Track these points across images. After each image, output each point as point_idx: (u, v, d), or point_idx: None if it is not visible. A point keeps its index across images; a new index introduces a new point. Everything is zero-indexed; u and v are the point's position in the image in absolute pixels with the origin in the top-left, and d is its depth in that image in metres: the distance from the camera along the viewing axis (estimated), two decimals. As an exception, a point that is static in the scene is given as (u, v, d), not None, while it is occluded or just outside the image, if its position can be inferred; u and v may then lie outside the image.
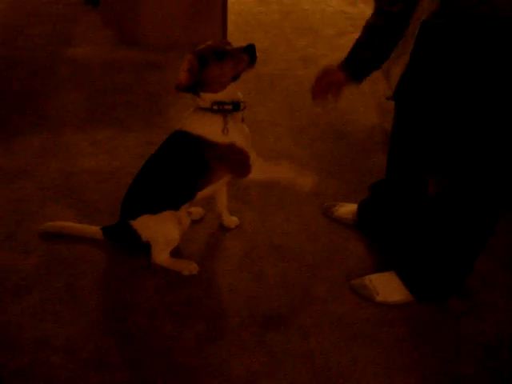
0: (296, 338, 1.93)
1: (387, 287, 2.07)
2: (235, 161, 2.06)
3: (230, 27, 4.23)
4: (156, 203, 2.10)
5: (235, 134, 2.03)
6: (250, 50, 1.94)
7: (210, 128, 2.01)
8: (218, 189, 2.25)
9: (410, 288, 2.04)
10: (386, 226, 2.32)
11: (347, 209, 2.44)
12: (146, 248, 2.17)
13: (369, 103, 3.43)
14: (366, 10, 4.80)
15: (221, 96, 1.99)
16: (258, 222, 2.44)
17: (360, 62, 1.93)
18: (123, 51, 4.01)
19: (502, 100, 1.61)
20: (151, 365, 1.82)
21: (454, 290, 2.08)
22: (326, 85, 2.00)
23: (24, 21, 4.49)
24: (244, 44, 1.95)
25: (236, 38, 4.19)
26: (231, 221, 2.42)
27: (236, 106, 2.02)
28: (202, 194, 2.15)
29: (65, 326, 1.94)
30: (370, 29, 1.87)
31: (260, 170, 2.10)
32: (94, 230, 2.25)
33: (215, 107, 1.99)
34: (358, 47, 1.92)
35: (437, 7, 1.72)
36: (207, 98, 1.99)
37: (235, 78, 1.98)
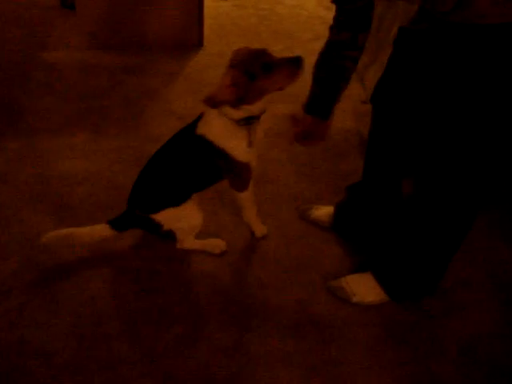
0: (275, 339, 1.94)
1: (363, 288, 2.09)
2: (243, 178, 2.10)
3: (207, 31, 4.24)
4: (176, 197, 2.12)
5: (252, 154, 2.03)
6: (297, 62, 1.83)
7: (235, 143, 1.98)
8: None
9: (386, 288, 2.07)
10: (362, 228, 2.34)
11: (323, 211, 2.46)
12: (165, 235, 2.22)
13: (344, 107, 3.46)
14: (342, 15, 4.83)
15: (255, 108, 1.92)
16: (235, 224, 2.45)
17: (316, 101, 1.90)
18: (99, 55, 3.99)
19: (478, 103, 1.63)
20: (130, 369, 1.82)
21: (429, 289, 2.11)
22: (305, 134, 1.98)
23: (-1, 24, 4.46)
24: (288, 56, 1.85)
25: (212, 42, 4.20)
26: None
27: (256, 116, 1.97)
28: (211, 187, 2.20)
29: (42, 331, 1.93)
30: (316, 65, 1.86)
31: (248, 196, 2.18)
32: (100, 227, 2.19)
33: (242, 122, 1.94)
34: (311, 89, 1.90)
35: (415, 14, 1.75)
36: (243, 109, 1.91)
37: (280, 89, 1.90)
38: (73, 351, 1.87)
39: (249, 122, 1.95)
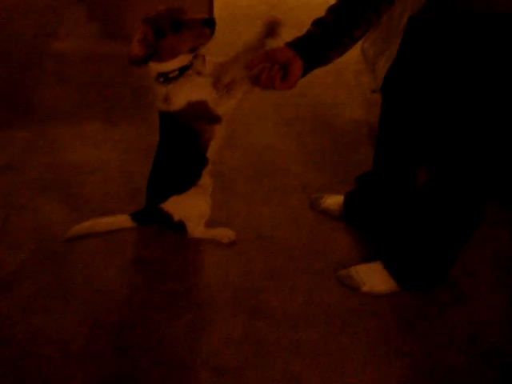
0: (284, 328, 1.96)
1: (373, 277, 2.10)
2: (205, 115, 1.97)
3: (216, 20, 4.22)
4: (179, 183, 2.14)
5: (184, 95, 1.92)
6: (209, 23, 1.82)
7: (158, 100, 1.95)
8: (222, 134, 2.10)
9: (396, 277, 2.08)
10: (372, 217, 2.34)
11: (334, 200, 2.46)
12: (178, 227, 2.24)
13: (354, 96, 3.46)
14: (352, 3, 4.81)
15: (168, 66, 1.88)
16: (245, 214, 2.46)
17: (310, 39, 1.69)
18: (109, 45, 3.99)
19: (490, 93, 1.62)
20: (142, 356, 1.84)
21: (439, 279, 2.11)
22: (272, 67, 1.70)
23: (9, 14, 4.46)
24: (201, 16, 1.84)
25: (222, 30, 4.19)
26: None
27: (184, 68, 1.90)
28: (211, 153, 2.11)
29: (55, 319, 1.95)
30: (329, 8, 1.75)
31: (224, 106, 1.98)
32: (122, 218, 2.28)
33: (161, 79, 1.90)
34: (312, 25, 1.74)
35: (425, 2, 1.74)
36: (154, 67, 1.89)
37: (192, 51, 1.89)
38: (86, 339, 1.88)
39: (169, 78, 1.90)
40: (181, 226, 2.24)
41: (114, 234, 2.28)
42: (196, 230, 2.27)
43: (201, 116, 1.96)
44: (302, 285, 2.13)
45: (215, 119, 1.98)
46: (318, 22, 1.71)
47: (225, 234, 2.31)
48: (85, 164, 2.72)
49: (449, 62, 1.66)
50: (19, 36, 4.09)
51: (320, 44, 1.66)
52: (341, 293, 2.10)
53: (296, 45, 1.68)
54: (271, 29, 1.96)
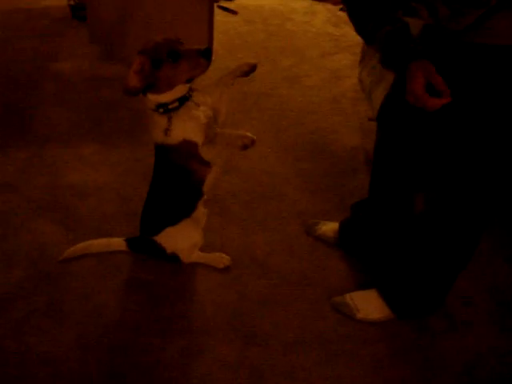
0: (278, 354, 1.95)
1: (368, 305, 2.10)
2: (196, 156, 2.00)
3: (216, 46, 4.27)
4: (172, 215, 2.15)
5: (182, 130, 1.95)
6: (206, 53, 1.84)
7: (157, 131, 1.97)
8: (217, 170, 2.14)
9: (391, 305, 2.08)
10: (367, 245, 2.35)
11: (330, 227, 2.47)
12: (172, 258, 2.24)
13: (351, 124, 3.48)
14: (350, 32, 4.86)
15: (167, 97, 1.91)
16: (240, 239, 2.46)
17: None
18: (109, 67, 4.02)
19: (486, 122, 1.65)
20: (135, 379, 1.83)
21: (433, 307, 2.11)
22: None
23: (10, 35, 4.49)
24: (197, 46, 1.86)
25: (221, 56, 4.24)
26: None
27: (183, 99, 1.94)
28: (208, 186, 2.13)
29: (47, 340, 1.94)
30: None
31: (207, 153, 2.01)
32: (117, 241, 2.30)
33: (161, 110, 1.92)
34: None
35: (419, 33, 1.77)
36: (152, 98, 1.92)
37: (188, 81, 1.91)
38: (78, 360, 1.88)
39: (169, 110, 1.93)
40: (175, 258, 2.24)
41: (110, 256, 2.28)
42: (189, 258, 2.27)
43: (193, 156, 1.99)
44: (296, 310, 2.13)
45: (205, 163, 2.01)
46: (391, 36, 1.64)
47: (220, 259, 2.31)
48: (82, 185, 2.73)
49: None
50: (20, 57, 4.12)
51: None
52: (335, 319, 2.10)
53: (419, 52, 1.62)
54: (245, 72, 2.01)
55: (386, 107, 2.00)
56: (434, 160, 1.82)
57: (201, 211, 2.24)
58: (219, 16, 5.02)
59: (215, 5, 4.65)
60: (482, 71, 1.59)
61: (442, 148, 1.76)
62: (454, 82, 1.63)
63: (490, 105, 1.62)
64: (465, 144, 1.70)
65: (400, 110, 1.89)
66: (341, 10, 5.40)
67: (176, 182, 2.07)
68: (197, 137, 1.96)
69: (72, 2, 4.84)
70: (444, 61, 1.65)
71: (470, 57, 1.59)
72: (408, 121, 1.85)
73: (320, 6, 5.57)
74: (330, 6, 5.51)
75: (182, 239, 2.21)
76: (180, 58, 1.83)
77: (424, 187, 1.92)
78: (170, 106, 1.92)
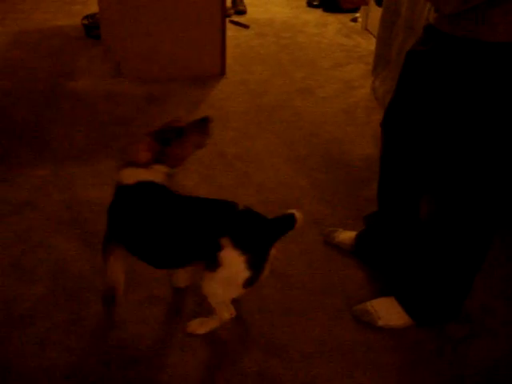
0: (298, 364, 1.95)
1: (389, 312, 2.10)
2: None
3: (229, 60, 4.31)
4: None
5: None
6: (205, 123, 1.96)
7: None
8: None
9: (410, 313, 2.07)
10: (382, 255, 2.35)
11: (347, 235, 2.48)
12: None
13: (365, 133, 3.49)
14: (361, 42, 4.90)
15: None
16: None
17: None
18: (124, 84, 4.07)
19: (489, 123, 1.65)
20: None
21: (452, 313, 2.10)
22: None
23: (26, 54, 4.56)
24: (197, 118, 1.97)
25: (235, 70, 4.27)
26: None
27: None
28: None
29: (69, 355, 1.96)
30: None
31: None
32: None
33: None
34: None
35: (421, 35, 1.79)
36: (163, 170, 1.94)
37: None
38: (101, 376, 1.89)
39: None
40: None
41: (129, 270, 2.29)
42: None
43: None
44: (316, 320, 2.13)
45: None
46: None
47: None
48: (99, 202, 2.74)
49: (444, 92, 1.69)
50: (36, 76, 4.18)
51: None
52: (354, 327, 2.10)
53: None
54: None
55: (389, 112, 2.01)
56: (438, 162, 1.82)
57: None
58: (231, 30, 5.07)
59: (227, 20, 4.70)
60: (482, 69, 1.59)
61: (446, 149, 1.77)
62: (455, 81, 1.64)
63: (492, 104, 1.63)
64: (468, 143, 1.70)
65: (403, 115, 1.90)
66: (352, 20, 5.44)
67: None
68: None
69: (86, 22, 4.92)
70: (444, 61, 1.66)
71: (470, 56, 1.60)
72: (411, 125, 1.87)
73: (331, 18, 5.60)
74: (341, 17, 5.55)
75: None
76: (184, 132, 1.92)
77: (430, 191, 1.92)
78: None
